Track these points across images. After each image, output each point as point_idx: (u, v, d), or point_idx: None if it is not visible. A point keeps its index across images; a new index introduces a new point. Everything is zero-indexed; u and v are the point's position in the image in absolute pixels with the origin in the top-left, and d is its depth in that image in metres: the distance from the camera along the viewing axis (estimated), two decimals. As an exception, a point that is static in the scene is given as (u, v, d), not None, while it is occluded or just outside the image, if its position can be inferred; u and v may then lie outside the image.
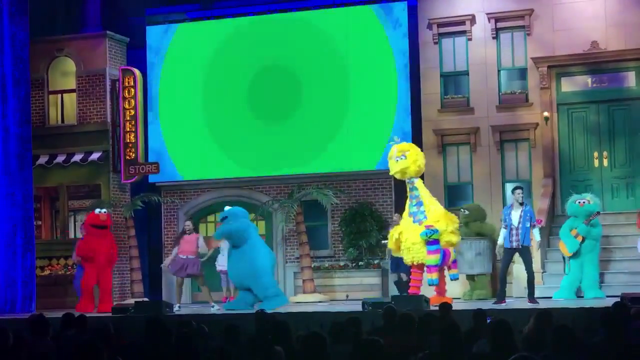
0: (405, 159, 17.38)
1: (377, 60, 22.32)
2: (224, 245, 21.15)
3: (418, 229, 17.13)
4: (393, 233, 17.72)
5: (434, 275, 16.96)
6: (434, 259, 16.88)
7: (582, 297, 17.57)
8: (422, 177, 21.53)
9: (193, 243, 19.39)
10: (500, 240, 16.99)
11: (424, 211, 17.35)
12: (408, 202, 17.60)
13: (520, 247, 16.55)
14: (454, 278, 17.40)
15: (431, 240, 16.89)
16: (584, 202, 18.28)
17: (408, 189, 17.59)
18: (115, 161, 23.20)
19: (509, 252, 16.76)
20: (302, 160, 22.61)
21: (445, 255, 17.02)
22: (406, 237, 17.36)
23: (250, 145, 22.91)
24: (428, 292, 17.23)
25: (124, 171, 23.07)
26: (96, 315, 16.99)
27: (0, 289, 19.93)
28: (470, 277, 19.34)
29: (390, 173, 17.89)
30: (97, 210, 19.79)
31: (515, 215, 16.63)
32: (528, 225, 16.61)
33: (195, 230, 20.44)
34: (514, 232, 16.56)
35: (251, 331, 10.67)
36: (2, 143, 20.31)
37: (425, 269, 17.13)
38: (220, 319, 10.52)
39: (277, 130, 22.82)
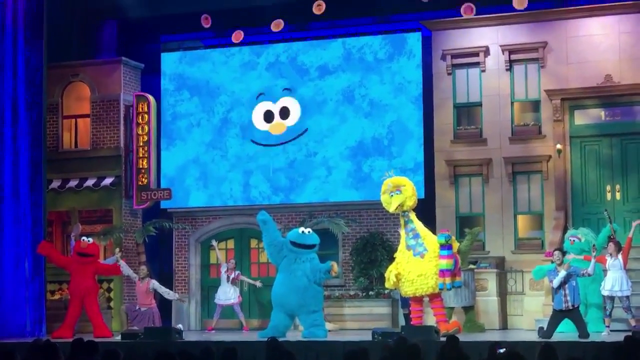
0: (400, 193, 17.37)
1: (390, 90, 22.38)
2: (223, 277, 21.11)
3: (421, 262, 17.17)
4: (391, 272, 17.63)
5: (447, 280, 16.99)
6: (446, 263, 16.93)
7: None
8: (433, 207, 21.62)
9: (149, 293, 19.41)
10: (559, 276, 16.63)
11: (423, 243, 17.32)
12: (404, 235, 17.58)
13: (571, 308, 16.41)
14: (458, 285, 17.44)
15: (446, 245, 16.97)
16: (574, 240, 18.30)
17: (403, 222, 17.58)
18: (127, 187, 23.26)
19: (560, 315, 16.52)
20: (313, 189, 22.63)
21: (456, 260, 17.14)
22: (409, 270, 17.30)
23: (263, 172, 22.96)
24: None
25: (136, 197, 23.13)
26: (106, 341, 16.94)
27: (8, 313, 19.90)
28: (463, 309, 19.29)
29: (387, 208, 17.67)
30: (83, 239, 19.75)
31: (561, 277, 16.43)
32: (575, 283, 16.44)
33: (151, 275, 20.09)
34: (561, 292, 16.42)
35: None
36: (12, 166, 20.35)
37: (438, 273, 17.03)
38: (230, 346, 10.49)
39: (290, 158, 22.87)
